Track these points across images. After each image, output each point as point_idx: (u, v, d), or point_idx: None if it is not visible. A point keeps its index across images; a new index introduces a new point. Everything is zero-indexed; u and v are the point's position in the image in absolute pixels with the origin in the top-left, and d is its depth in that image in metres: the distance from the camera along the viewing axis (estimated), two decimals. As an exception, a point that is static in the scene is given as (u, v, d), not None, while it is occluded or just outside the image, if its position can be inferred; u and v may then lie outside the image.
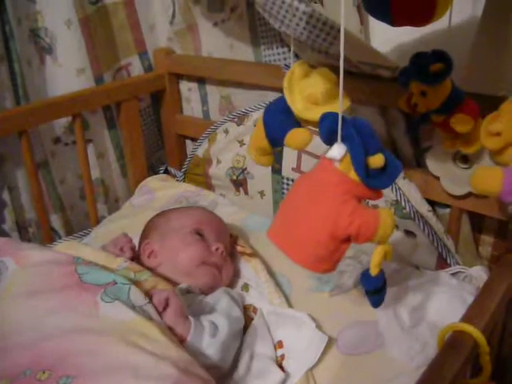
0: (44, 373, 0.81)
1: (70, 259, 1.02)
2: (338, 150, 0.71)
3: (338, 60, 0.69)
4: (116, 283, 0.96)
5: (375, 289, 0.80)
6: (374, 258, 0.75)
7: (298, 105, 0.75)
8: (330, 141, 0.72)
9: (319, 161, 0.75)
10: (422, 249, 1.24)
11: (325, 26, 1.11)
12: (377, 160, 0.69)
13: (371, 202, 1.15)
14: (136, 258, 1.19)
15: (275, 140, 0.78)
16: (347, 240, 0.73)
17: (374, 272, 0.76)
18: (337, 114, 0.69)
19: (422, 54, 0.94)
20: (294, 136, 0.74)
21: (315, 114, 0.73)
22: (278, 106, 0.74)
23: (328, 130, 0.71)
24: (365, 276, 0.78)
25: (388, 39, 1.29)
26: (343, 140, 0.70)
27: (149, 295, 0.97)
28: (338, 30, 1.11)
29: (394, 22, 0.81)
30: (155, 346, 0.86)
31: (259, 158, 0.84)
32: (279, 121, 0.76)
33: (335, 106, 0.74)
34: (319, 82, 0.74)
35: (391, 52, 1.29)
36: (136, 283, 0.99)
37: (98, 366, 0.82)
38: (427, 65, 0.91)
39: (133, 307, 0.92)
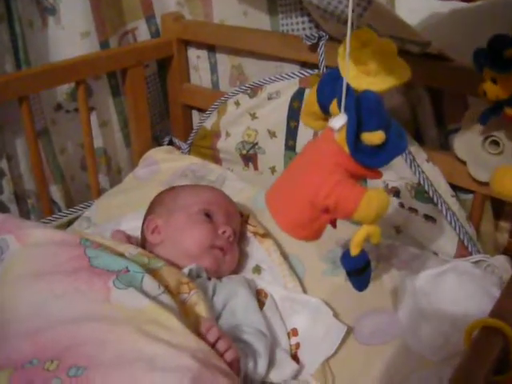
0: (52, 362, 0.77)
1: (77, 240, 0.96)
2: (338, 121, 0.69)
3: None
4: (129, 271, 0.90)
5: (354, 269, 0.78)
6: (354, 237, 0.73)
7: (349, 73, 0.70)
8: (323, 107, 0.73)
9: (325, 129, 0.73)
10: (442, 235, 1.19)
11: (356, -4, 1.04)
12: (373, 137, 0.67)
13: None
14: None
15: (324, 106, 0.75)
16: (327, 211, 0.71)
17: (353, 252, 0.74)
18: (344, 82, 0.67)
19: (501, 37, 0.87)
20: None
21: (364, 83, 0.69)
22: (332, 73, 0.70)
23: (323, 96, 0.72)
24: (344, 256, 0.76)
25: (414, 9, 1.22)
26: (344, 111, 0.68)
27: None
28: (369, 2, 1.03)
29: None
30: (172, 335, 0.81)
31: (311, 122, 0.81)
32: (330, 87, 0.72)
33: (387, 79, 0.70)
34: (376, 52, 0.69)
35: (418, 25, 1.22)
36: (150, 271, 0.93)
37: (111, 357, 0.78)
38: (502, 50, 0.84)
39: (147, 296, 0.86)
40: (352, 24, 1.11)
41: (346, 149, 0.69)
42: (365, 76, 0.70)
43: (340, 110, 0.69)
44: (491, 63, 0.88)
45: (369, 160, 0.69)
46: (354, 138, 0.67)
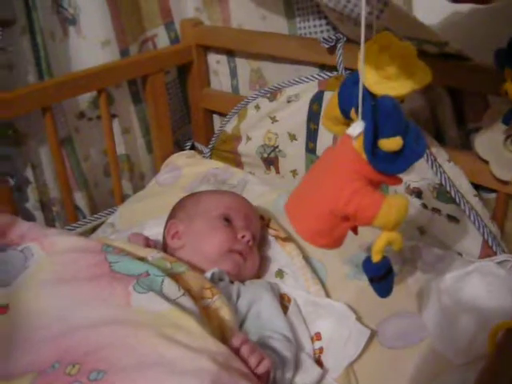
0: (74, 367, 0.78)
1: (99, 247, 0.98)
2: (355, 128, 0.69)
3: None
4: (149, 274, 0.91)
5: (376, 276, 0.77)
6: (375, 243, 0.72)
7: (369, 78, 0.70)
8: (344, 112, 0.73)
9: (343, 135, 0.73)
10: (466, 235, 1.18)
11: (371, -1, 1.04)
12: (390, 143, 0.66)
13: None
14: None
15: (345, 111, 0.75)
16: (347, 219, 0.71)
17: (374, 258, 0.73)
18: (363, 89, 0.67)
19: None
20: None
21: (384, 88, 0.69)
22: (354, 77, 0.70)
23: (344, 101, 0.72)
24: (366, 262, 0.75)
25: (432, 9, 1.21)
26: (361, 117, 0.68)
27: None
28: (385, 4, 1.03)
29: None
30: (192, 338, 0.81)
31: (332, 126, 0.81)
32: (350, 92, 0.72)
33: (407, 83, 0.69)
34: (396, 56, 0.69)
35: (436, 25, 1.21)
36: (172, 275, 0.94)
37: (131, 361, 0.78)
38: None
39: (167, 299, 0.87)
40: (370, 27, 1.11)
41: (364, 156, 0.68)
42: (385, 81, 0.69)
43: (358, 117, 0.69)
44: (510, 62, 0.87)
45: (387, 167, 0.69)
46: (371, 144, 0.67)
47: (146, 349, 0.79)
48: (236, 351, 0.85)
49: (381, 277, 0.77)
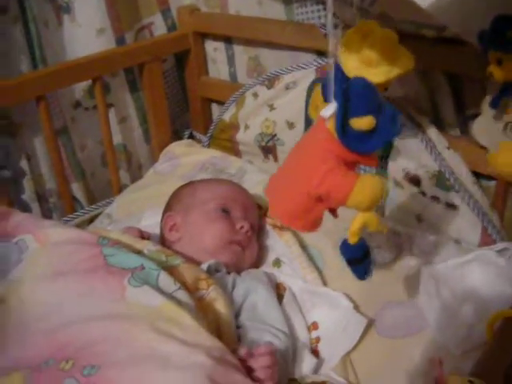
0: (67, 362, 0.77)
1: (94, 239, 0.96)
2: (328, 109, 0.70)
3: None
4: (144, 268, 0.90)
5: (354, 258, 0.78)
6: (351, 225, 0.73)
7: (349, 64, 0.70)
8: (327, 100, 0.72)
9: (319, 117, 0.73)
10: (465, 223, 1.16)
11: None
12: (361, 122, 0.67)
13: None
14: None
15: (327, 98, 0.74)
16: (321, 200, 0.71)
17: (351, 240, 0.74)
18: (339, 72, 0.68)
19: (504, 17, 0.84)
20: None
21: (366, 74, 0.68)
22: (338, 66, 0.70)
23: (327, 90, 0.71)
24: (343, 244, 0.76)
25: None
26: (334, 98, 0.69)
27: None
28: (381, -13, 1.01)
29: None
30: (186, 333, 0.80)
31: (316, 114, 0.79)
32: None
33: (389, 70, 0.69)
34: (377, 42, 0.68)
35: (435, 8, 1.18)
36: (167, 268, 0.93)
37: (125, 355, 0.77)
38: (506, 30, 0.82)
39: (162, 293, 0.86)
40: (367, 12, 1.09)
41: (336, 135, 0.68)
42: (366, 67, 0.68)
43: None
44: (495, 44, 0.86)
45: (358, 145, 0.69)
46: (341, 123, 0.67)
47: (141, 343, 0.79)
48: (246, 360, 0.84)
49: (358, 259, 0.78)
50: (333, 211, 0.78)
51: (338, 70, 0.70)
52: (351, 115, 0.67)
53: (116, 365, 0.76)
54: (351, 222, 0.73)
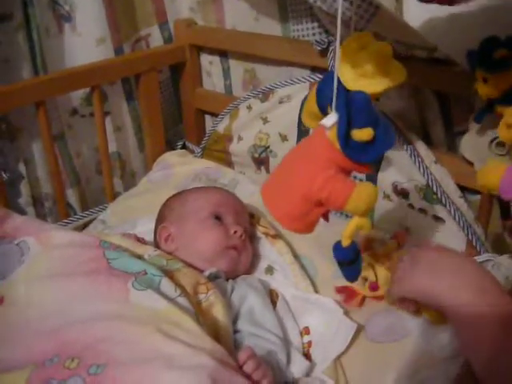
0: (73, 360, 0.78)
1: (97, 242, 0.98)
2: (329, 119, 0.73)
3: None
4: (146, 273, 0.92)
5: (346, 260, 0.81)
6: (346, 229, 0.77)
7: (345, 75, 0.74)
8: (322, 108, 0.77)
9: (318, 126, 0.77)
10: (451, 235, 1.20)
11: (363, 3, 1.06)
12: (362, 134, 0.70)
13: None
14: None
15: (322, 107, 0.79)
16: (320, 204, 0.75)
17: (344, 243, 0.78)
18: (340, 85, 0.71)
19: (492, 39, 0.90)
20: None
21: (360, 85, 0.73)
22: (331, 75, 0.73)
23: (322, 97, 0.75)
24: (336, 247, 0.80)
25: (423, 16, 1.24)
26: (335, 110, 0.73)
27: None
28: (377, 7, 1.06)
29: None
30: (189, 336, 0.82)
31: (310, 121, 0.84)
32: (327, 88, 0.75)
33: (382, 81, 0.73)
34: (373, 54, 0.73)
35: (426, 30, 1.23)
36: (168, 272, 0.95)
37: (130, 355, 0.79)
38: (492, 50, 0.87)
39: (165, 298, 0.88)
40: (360, 31, 1.14)
41: (337, 145, 0.72)
42: (361, 78, 0.73)
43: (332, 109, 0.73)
44: (482, 64, 0.91)
45: (358, 155, 0.72)
46: (344, 134, 0.70)
47: (146, 344, 0.80)
48: (241, 365, 0.86)
49: (349, 261, 0.81)
50: (325, 216, 0.82)
51: (339, 82, 0.74)
52: (352, 127, 0.71)
53: (121, 364, 0.77)
54: (346, 226, 0.77)
